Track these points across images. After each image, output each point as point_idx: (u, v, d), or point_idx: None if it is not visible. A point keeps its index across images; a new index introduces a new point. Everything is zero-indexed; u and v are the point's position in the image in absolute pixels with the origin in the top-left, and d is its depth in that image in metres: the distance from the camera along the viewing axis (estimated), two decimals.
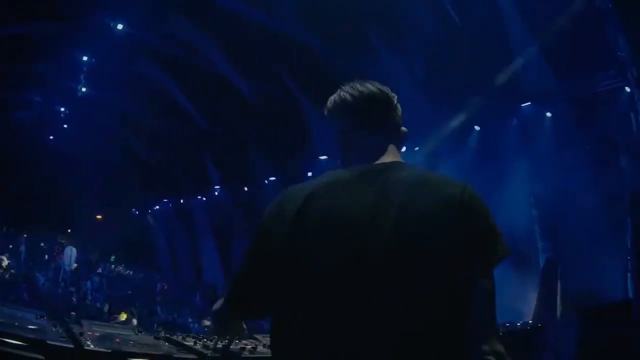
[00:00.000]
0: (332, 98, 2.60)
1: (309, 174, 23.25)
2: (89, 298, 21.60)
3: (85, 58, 23.41)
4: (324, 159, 23.07)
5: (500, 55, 16.17)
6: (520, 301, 14.99)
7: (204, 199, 31.07)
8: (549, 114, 16.53)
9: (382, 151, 2.44)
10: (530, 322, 12.77)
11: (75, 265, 22.86)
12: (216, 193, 30.15)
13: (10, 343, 3.15)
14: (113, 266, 30.06)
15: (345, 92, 2.55)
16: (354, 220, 2.15)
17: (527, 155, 16.63)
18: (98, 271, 27.66)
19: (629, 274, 12.93)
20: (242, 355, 3.61)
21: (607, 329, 9.84)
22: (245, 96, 23.22)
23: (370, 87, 2.53)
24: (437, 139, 18.17)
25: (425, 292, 2.05)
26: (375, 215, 2.13)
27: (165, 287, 27.42)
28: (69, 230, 32.72)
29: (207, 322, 18.23)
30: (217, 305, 2.66)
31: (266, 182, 26.38)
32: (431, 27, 17.20)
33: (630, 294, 12.50)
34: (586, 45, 14.06)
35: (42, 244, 29.99)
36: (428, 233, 2.09)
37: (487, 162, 17.26)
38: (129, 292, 25.35)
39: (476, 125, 18.22)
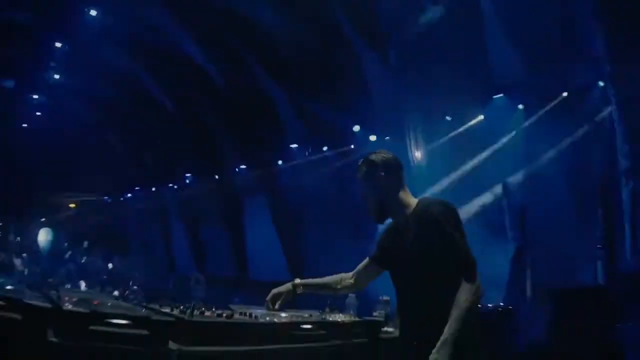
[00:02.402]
0: (385, 158, 3.90)
1: (279, 162, 23.40)
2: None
3: (58, 45, 22.52)
4: (294, 147, 22.81)
5: (474, 47, 15.93)
6: (490, 286, 14.73)
7: (175, 187, 30.40)
8: (521, 106, 16.25)
9: None
10: (501, 304, 12.75)
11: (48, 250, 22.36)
12: (187, 181, 29.55)
13: None
14: (84, 257, 29.32)
15: (388, 156, 3.93)
16: None
17: (499, 146, 16.42)
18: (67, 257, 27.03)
19: (599, 262, 12.96)
20: (219, 321, 4.12)
21: (579, 313, 10.08)
22: (216, 84, 22.74)
23: None
24: (408, 129, 18.12)
25: None
26: None
27: (137, 275, 26.72)
28: (43, 219, 31.91)
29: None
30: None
31: (237, 170, 25.96)
32: (410, 20, 17.07)
33: (601, 281, 12.64)
34: (560, 40, 13.99)
35: (22, 232, 29.28)
36: None
37: (460, 152, 17.18)
38: (104, 277, 24.75)
39: (447, 115, 17.88)
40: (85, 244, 28.23)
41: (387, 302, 6.51)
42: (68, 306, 3.48)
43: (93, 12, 20.33)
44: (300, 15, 18.10)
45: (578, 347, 9.44)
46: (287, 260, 22.76)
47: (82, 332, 3.44)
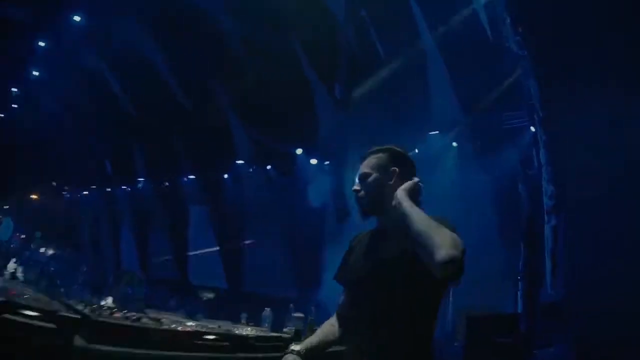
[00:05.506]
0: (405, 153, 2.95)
1: (225, 176, 22.41)
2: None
3: (41, 44, 20.86)
4: (241, 164, 21.74)
5: (416, 86, 15.17)
6: None
7: (129, 189, 28.63)
8: (454, 144, 15.37)
9: None
10: None
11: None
12: (139, 185, 27.77)
13: None
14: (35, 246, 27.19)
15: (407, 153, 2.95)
16: None
17: (431, 180, 15.07)
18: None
19: (518, 292, 12.34)
20: (123, 323, 3.70)
21: (491, 338, 9.40)
22: (177, 97, 21.43)
23: None
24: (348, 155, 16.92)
25: None
26: None
27: (85, 269, 24.90)
28: (6, 207, 29.74)
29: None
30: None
31: (185, 179, 24.61)
32: (361, 62, 16.39)
33: (520, 310, 11.92)
34: (497, 89, 13.39)
35: None
36: None
37: None
38: (52, 268, 22.95)
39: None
40: (38, 234, 26.50)
41: (300, 318, 6.15)
42: None
43: (77, 18, 19.10)
44: (264, 52, 17.23)
45: None
46: (224, 268, 21.70)
47: None
